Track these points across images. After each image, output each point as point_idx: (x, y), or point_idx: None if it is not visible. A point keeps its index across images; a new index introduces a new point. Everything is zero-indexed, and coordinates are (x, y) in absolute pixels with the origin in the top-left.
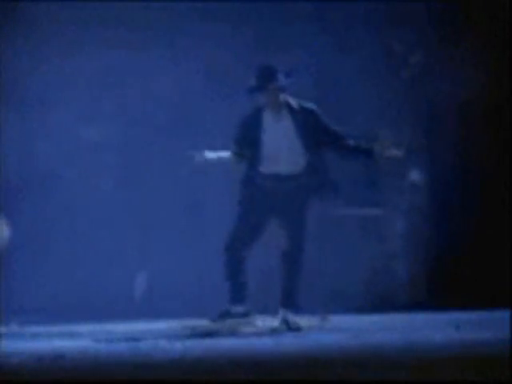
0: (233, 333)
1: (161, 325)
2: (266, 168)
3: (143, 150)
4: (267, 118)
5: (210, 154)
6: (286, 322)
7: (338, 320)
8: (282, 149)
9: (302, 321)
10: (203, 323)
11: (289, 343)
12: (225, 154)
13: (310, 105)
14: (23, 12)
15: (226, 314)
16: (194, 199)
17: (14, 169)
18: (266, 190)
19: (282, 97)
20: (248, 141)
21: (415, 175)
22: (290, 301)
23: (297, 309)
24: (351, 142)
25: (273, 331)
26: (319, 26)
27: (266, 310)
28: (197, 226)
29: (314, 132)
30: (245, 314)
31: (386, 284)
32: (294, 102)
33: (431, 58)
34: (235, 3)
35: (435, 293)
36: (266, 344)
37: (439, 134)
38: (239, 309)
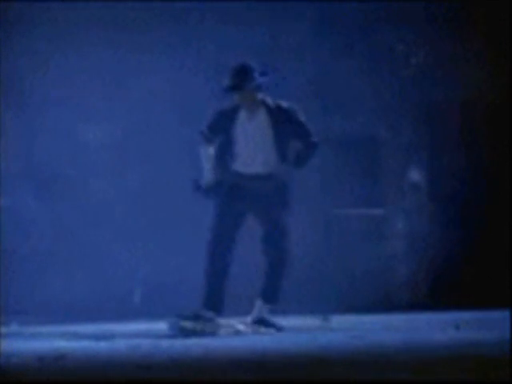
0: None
1: (161, 325)
2: (239, 167)
3: (143, 149)
4: (242, 117)
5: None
6: (262, 320)
7: (339, 320)
8: (256, 148)
9: (303, 321)
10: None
11: (289, 343)
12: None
13: (286, 104)
14: (23, 12)
15: (197, 317)
16: (194, 199)
17: (14, 168)
18: (240, 188)
19: (259, 96)
20: (222, 136)
21: (416, 175)
22: (272, 296)
23: (275, 305)
24: (314, 140)
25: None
26: (319, 26)
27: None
28: (197, 226)
29: (287, 131)
30: (211, 319)
31: (387, 284)
32: (270, 102)
33: (432, 58)
34: (236, 4)
35: (435, 293)
36: (266, 344)
37: (440, 134)
38: (209, 314)
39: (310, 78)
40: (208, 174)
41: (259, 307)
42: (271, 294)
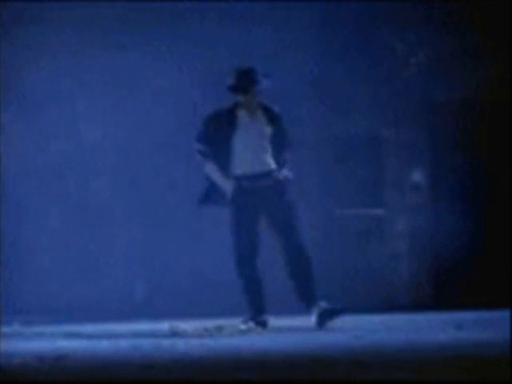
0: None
1: (163, 325)
2: (240, 168)
3: (144, 149)
4: (243, 118)
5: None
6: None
7: (340, 320)
8: (257, 147)
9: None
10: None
11: (289, 343)
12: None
13: (275, 107)
14: (23, 11)
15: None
16: (194, 199)
17: (16, 168)
18: (246, 190)
19: (258, 97)
20: (219, 138)
21: (417, 175)
22: (314, 294)
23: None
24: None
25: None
26: (320, 26)
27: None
28: (198, 226)
29: (276, 132)
30: (264, 323)
31: (387, 284)
32: (265, 103)
33: (432, 58)
34: (236, 4)
35: (436, 293)
36: (266, 344)
37: (441, 134)
38: (263, 318)
39: (311, 78)
40: (225, 185)
41: (319, 307)
42: (310, 291)
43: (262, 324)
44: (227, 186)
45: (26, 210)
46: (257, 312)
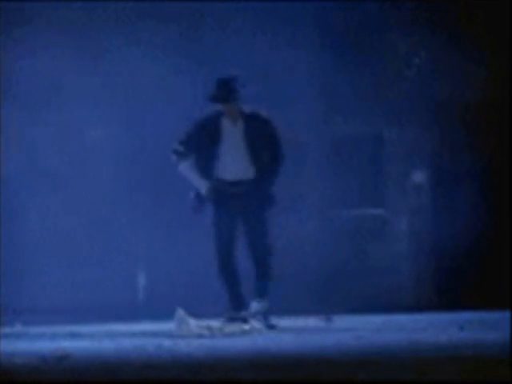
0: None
1: (165, 325)
2: (223, 174)
3: (144, 151)
4: (225, 126)
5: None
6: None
7: (341, 320)
8: (238, 155)
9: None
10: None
11: (291, 343)
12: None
13: (264, 113)
14: (26, 12)
15: (230, 320)
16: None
17: (17, 168)
18: (227, 195)
19: (238, 105)
20: (204, 144)
21: (419, 175)
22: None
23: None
24: (276, 164)
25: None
26: (323, 26)
27: None
28: (198, 227)
29: (260, 140)
30: (243, 319)
31: (390, 284)
32: (247, 111)
33: (434, 59)
34: (236, 4)
35: (437, 293)
36: (267, 344)
37: (442, 134)
38: (239, 314)
39: (313, 79)
40: (202, 185)
41: (255, 306)
42: (263, 291)
43: (242, 320)
44: (203, 185)
45: (27, 210)
46: (235, 308)
